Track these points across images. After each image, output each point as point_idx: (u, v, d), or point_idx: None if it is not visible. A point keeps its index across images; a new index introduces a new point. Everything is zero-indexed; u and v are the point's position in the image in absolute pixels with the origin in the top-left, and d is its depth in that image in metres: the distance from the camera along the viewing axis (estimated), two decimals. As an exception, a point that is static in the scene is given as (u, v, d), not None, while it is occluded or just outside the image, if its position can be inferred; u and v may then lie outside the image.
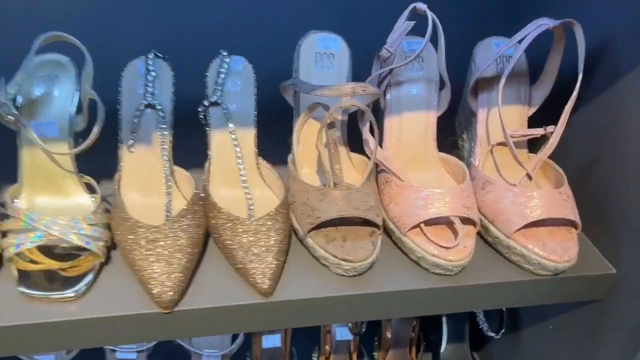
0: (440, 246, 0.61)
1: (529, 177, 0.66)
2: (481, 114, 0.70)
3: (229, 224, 0.61)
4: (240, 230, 0.60)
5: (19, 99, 0.63)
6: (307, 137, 0.68)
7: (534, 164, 0.65)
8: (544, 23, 0.61)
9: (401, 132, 0.69)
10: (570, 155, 0.72)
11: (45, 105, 0.64)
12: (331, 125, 0.60)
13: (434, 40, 0.64)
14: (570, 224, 0.64)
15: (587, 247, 0.69)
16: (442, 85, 0.69)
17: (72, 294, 0.56)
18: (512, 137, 0.65)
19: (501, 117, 0.63)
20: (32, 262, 0.58)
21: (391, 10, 0.65)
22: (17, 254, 0.57)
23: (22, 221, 0.57)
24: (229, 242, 0.60)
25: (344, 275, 0.61)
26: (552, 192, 0.63)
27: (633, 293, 0.64)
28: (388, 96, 0.69)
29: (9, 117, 0.59)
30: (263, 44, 0.75)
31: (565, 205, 0.62)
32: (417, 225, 0.62)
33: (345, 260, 0.59)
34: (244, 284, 0.60)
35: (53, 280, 0.57)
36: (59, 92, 0.64)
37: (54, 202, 0.64)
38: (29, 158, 0.63)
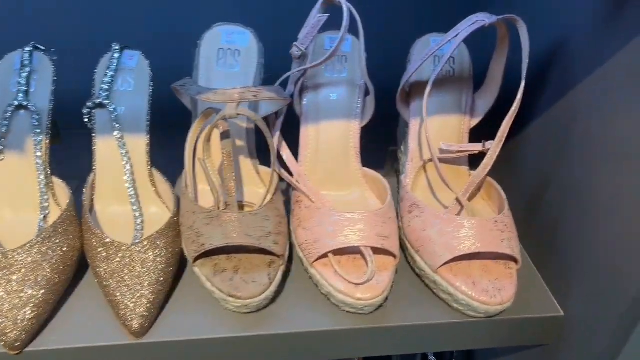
0: (349, 282, 0.51)
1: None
2: (413, 124, 0.60)
3: (101, 248, 0.52)
4: (114, 255, 0.51)
5: None
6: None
7: (466, 186, 0.55)
8: (479, 19, 0.51)
9: (318, 143, 0.59)
10: (522, 176, 0.62)
11: None
12: (224, 135, 0.50)
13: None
14: (509, 258, 0.54)
15: (536, 284, 0.59)
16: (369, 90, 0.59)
17: None
18: (445, 152, 0.56)
19: (427, 128, 0.53)
20: None
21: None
22: None
23: None
24: (99, 269, 0.51)
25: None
26: (485, 221, 0.53)
27: (582, 337, 0.54)
28: (305, 101, 0.59)
29: None
30: (167, 38, 0.65)
31: (500, 236, 0.52)
32: (325, 255, 0.53)
33: (233, 297, 0.50)
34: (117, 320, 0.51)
35: None
36: None
37: None
38: None
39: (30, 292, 0.49)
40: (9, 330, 0.47)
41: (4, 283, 0.49)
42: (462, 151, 0.57)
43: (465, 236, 0.52)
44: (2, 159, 0.56)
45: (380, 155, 0.71)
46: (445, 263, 0.52)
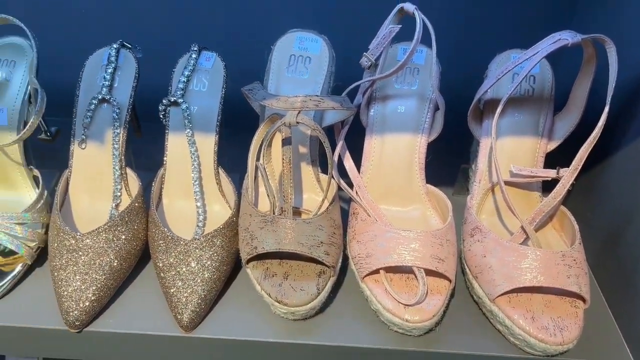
0: (398, 301, 0.49)
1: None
2: (484, 143, 0.57)
3: (161, 241, 0.54)
4: (172, 249, 0.53)
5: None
6: (273, 150, 0.59)
7: (533, 214, 0.52)
8: (562, 37, 0.48)
9: (382, 155, 0.58)
10: (601, 207, 0.57)
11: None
12: (286, 142, 0.51)
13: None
14: (577, 296, 0.50)
15: (608, 328, 0.54)
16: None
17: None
18: (516, 176, 0.52)
19: (497, 149, 0.50)
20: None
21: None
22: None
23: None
24: (158, 261, 0.54)
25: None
26: (551, 253, 0.49)
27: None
28: (371, 112, 0.58)
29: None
30: (246, 41, 0.66)
31: (567, 271, 0.49)
32: (377, 271, 0.52)
33: (280, 303, 0.50)
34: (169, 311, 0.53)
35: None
36: (12, 78, 0.60)
37: (2, 194, 0.60)
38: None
39: (94, 275, 0.52)
40: (71, 310, 0.50)
41: (72, 265, 0.52)
42: (533, 176, 0.53)
43: (527, 267, 0.48)
44: (84, 148, 0.60)
45: (452, 172, 0.69)
46: (504, 293, 0.50)
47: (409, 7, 0.50)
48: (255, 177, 0.58)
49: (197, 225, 0.58)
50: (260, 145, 0.55)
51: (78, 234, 0.53)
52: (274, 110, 0.55)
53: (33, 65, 0.58)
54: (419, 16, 0.50)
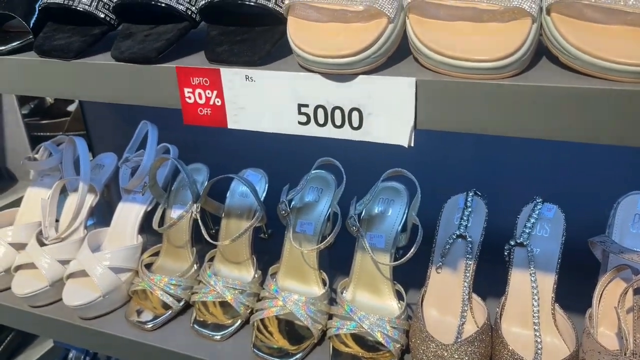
0: None
1: None
2: None
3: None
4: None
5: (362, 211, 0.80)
6: (611, 295, 0.66)
7: None
8: None
9: None
10: None
11: (379, 221, 0.80)
12: (638, 291, 0.58)
13: None
14: None
15: None
16: None
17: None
18: None
19: None
20: (345, 344, 0.72)
21: None
22: (336, 336, 0.72)
23: (344, 310, 0.72)
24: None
25: None
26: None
27: None
28: None
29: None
30: (580, 194, 0.77)
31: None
32: None
33: None
34: None
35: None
36: (391, 212, 0.80)
37: (370, 300, 0.77)
38: (360, 260, 0.78)
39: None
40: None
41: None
42: None
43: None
44: (440, 273, 0.75)
45: None
46: None
47: None
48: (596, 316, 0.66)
49: (536, 352, 0.67)
50: (603, 290, 0.63)
51: (443, 344, 0.66)
52: (620, 262, 0.63)
53: (416, 205, 0.76)
54: None
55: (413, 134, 0.52)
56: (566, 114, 0.46)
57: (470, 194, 0.77)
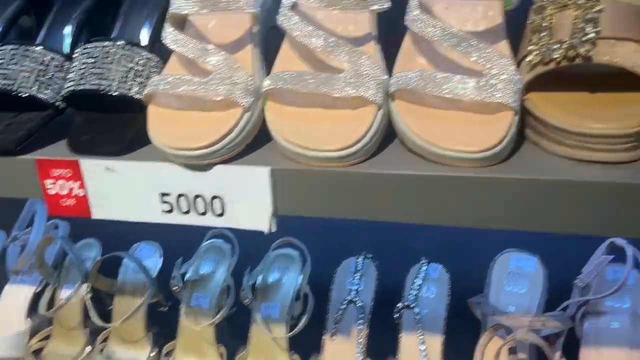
0: None
1: None
2: None
3: None
4: None
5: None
6: (493, 353, 0.68)
7: None
8: None
9: (600, 368, 0.64)
10: None
11: (274, 290, 0.79)
12: (513, 351, 0.60)
13: None
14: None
15: None
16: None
17: None
18: None
19: None
20: None
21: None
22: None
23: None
24: None
25: None
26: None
27: None
28: (585, 325, 0.66)
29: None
30: (462, 255, 0.80)
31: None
32: None
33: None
34: None
35: None
36: (285, 280, 0.80)
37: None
38: (255, 332, 0.77)
39: None
40: None
41: None
42: None
43: None
44: (334, 340, 0.75)
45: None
46: None
47: (620, 242, 0.60)
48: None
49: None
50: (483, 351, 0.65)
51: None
52: (496, 321, 0.65)
53: (307, 273, 0.76)
54: (629, 250, 0.59)
55: (274, 220, 0.52)
56: (412, 198, 0.48)
57: (361, 258, 0.78)
